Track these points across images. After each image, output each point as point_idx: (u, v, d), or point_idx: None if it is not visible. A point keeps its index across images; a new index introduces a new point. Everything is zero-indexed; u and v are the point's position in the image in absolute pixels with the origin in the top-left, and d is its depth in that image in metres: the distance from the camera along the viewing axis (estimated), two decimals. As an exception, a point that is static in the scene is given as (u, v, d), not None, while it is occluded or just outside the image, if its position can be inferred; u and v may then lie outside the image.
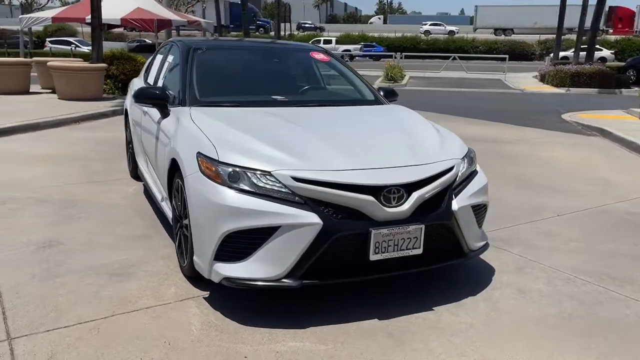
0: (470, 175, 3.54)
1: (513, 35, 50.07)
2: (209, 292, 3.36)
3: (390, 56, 27.00)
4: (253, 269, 2.97)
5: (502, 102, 16.06)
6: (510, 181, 6.45)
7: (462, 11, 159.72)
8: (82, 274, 3.61)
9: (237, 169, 3.01)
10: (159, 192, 4.35)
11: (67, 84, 12.56)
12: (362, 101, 4.56)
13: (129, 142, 5.99)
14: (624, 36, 43.08)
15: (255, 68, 4.71)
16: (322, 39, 41.91)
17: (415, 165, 3.21)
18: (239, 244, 2.96)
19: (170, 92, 4.28)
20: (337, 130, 3.66)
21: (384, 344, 2.86)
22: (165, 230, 4.41)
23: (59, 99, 12.68)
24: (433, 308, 3.26)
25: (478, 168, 3.72)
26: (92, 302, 3.23)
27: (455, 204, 3.27)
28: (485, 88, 20.43)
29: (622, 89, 20.30)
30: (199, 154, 3.20)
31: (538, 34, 28.36)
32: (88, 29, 28.20)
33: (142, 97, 4.08)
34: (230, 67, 4.63)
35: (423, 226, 3.09)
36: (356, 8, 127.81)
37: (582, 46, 23.47)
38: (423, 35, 50.41)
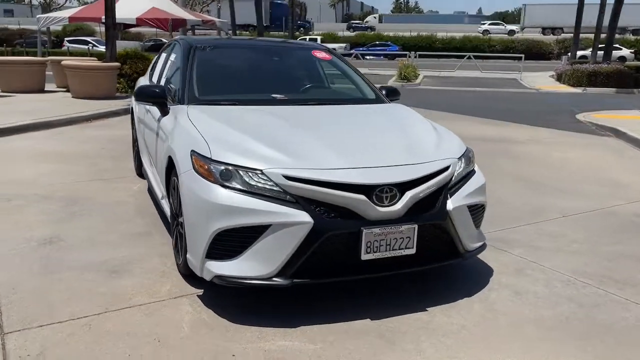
0: (468, 175, 3.50)
1: (563, 34, 49.07)
2: (203, 290, 3.37)
3: (405, 55, 26.88)
4: (244, 267, 2.96)
5: (516, 101, 15.88)
6: (518, 181, 6.37)
7: (479, 10, 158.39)
8: (79, 271, 3.64)
9: (230, 167, 3.01)
10: (160, 190, 4.37)
11: (80, 83, 12.70)
12: (363, 100, 4.54)
13: (135, 141, 6.04)
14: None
15: (256, 67, 4.71)
16: (307, 37, 41.69)
17: (410, 165, 3.18)
18: (230, 242, 2.96)
19: (170, 90, 4.31)
20: (333, 129, 3.65)
21: (373, 344, 2.84)
22: (165, 228, 4.43)
23: (72, 97, 12.83)
24: (427, 309, 3.23)
25: (476, 168, 3.67)
26: (87, 299, 3.25)
27: (451, 204, 3.23)
28: (500, 87, 20.23)
29: (641, 89, 19.97)
30: (193, 152, 3.20)
31: (588, 33, 27.64)
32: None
33: (142, 95, 4.11)
34: (231, 65, 4.64)
35: (416, 226, 3.06)
36: (372, 7, 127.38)
37: (600, 45, 23.14)
38: (482, 35, 49.81)
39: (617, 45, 31.67)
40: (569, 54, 27.19)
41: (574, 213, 5.20)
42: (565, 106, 14.75)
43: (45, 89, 14.16)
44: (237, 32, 29.05)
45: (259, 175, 2.97)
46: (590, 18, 27.08)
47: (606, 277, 3.75)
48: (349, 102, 4.47)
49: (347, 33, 50.74)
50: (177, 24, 23.24)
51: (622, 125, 10.19)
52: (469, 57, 27.16)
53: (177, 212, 3.49)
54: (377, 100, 4.52)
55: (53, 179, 5.96)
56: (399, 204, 3.03)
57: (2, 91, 13.42)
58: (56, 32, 42.43)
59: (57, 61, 14.56)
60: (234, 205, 2.91)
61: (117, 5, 20.29)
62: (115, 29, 14.38)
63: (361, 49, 38.44)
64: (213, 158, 3.07)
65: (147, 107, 4.68)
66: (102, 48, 31.28)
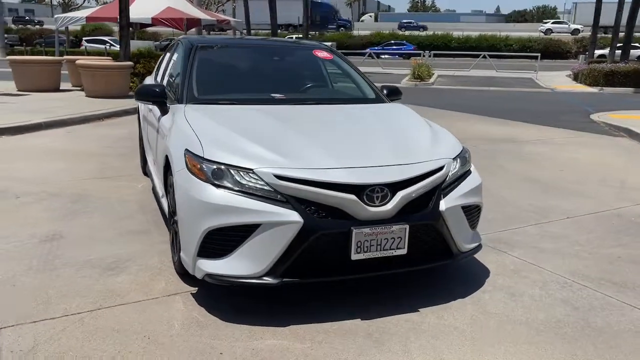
0: (463, 176, 3.48)
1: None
2: (197, 288, 3.40)
3: (419, 54, 26.76)
4: (234, 266, 2.98)
5: (530, 101, 15.71)
6: (524, 182, 6.31)
7: (497, 9, 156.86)
8: (77, 267, 3.69)
9: (222, 167, 3.03)
10: (160, 188, 4.42)
11: (94, 82, 12.87)
12: (363, 100, 4.53)
13: (141, 139, 6.10)
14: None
15: (257, 66, 4.73)
16: (294, 36, 41.50)
17: (402, 165, 3.17)
18: (220, 241, 2.98)
19: (171, 89, 4.35)
20: (327, 129, 3.65)
21: (361, 344, 2.84)
22: (165, 227, 4.47)
23: (86, 96, 13.01)
24: (419, 309, 3.22)
25: (473, 168, 3.64)
26: (82, 295, 3.30)
27: (444, 204, 3.21)
28: (515, 87, 20.04)
29: (660, 89, 19.61)
30: (187, 150, 3.23)
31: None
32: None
33: (142, 94, 4.15)
34: (231, 65, 4.66)
35: (407, 226, 3.05)
36: (389, 6, 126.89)
37: (618, 44, 22.79)
38: (544, 34, 49.19)
39: (636, 44, 31.18)
40: (587, 53, 26.79)
41: (579, 214, 5.14)
42: (580, 106, 14.57)
43: (61, 87, 14.37)
44: (253, 31, 29.14)
45: (250, 174, 2.99)
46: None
47: (605, 279, 3.70)
48: (348, 102, 4.47)
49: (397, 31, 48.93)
50: (192, 24, 23.44)
51: (636, 126, 10.03)
52: (484, 56, 26.92)
53: (172, 210, 3.52)
54: (377, 99, 4.51)
55: (61, 177, 6.05)
56: (390, 204, 3.02)
57: (19, 90, 13.65)
58: (75, 31, 43.06)
59: (72, 60, 14.76)
60: (225, 204, 2.93)
61: (133, 5, 20.56)
62: (128, 28, 14.52)
63: (376, 48, 38.35)
64: (205, 157, 3.09)
65: (150, 106, 4.73)
66: (118, 47, 31.74)
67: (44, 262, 3.76)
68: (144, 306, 3.19)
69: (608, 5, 28.09)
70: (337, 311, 3.16)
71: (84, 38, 39.58)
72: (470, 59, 28.86)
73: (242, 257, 2.97)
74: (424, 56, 25.31)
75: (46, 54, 23.82)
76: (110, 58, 15.67)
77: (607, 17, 29.29)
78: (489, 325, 3.07)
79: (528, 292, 3.49)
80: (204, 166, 3.06)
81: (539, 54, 27.66)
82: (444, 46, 40.47)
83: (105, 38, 36.91)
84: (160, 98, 4.11)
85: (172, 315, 3.09)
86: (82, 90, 13.53)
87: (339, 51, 5.35)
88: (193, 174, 3.10)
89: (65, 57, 16.36)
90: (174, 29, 23.76)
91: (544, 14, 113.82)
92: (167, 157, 3.61)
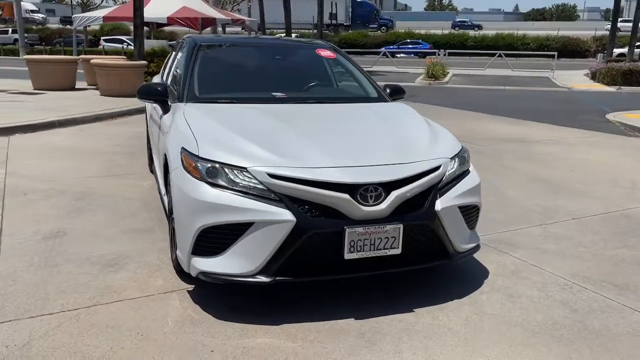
0: (461, 175, 3.44)
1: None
2: (193, 286, 3.41)
3: (434, 53, 26.59)
4: (228, 264, 2.99)
5: (545, 100, 15.51)
6: (532, 182, 6.23)
7: (516, 7, 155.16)
8: (78, 264, 3.73)
9: (216, 165, 3.04)
10: (162, 186, 4.45)
11: (108, 81, 13.01)
12: (365, 99, 4.51)
13: (148, 138, 6.15)
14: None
15: (259, 65, 4.73)
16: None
17: (397, 164, 3.15)
18: (214, 239, 2.99)
19: (174, 88, 4.37)
20: (325, 128, 3.64)
21: (353, 344, 2.83)
22: (167, 225, 4.51)
23: (100, 95, 13.16)
24: (414, 309, 3.20)
25: (472, 168, 3.61)
26: (80, 291, 3.34)
27: (440, 204, 3.19)
28: (530, 86, 19.80)
29: (680, 88, 19.22)
30: (183, 149, 3.25)
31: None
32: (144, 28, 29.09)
33: (144, 93, 4.18)
34: (233, 63, 4.67)
35: (401, 226, 3.03)
36: (406, 5, 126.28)
37: (638, 43, 22.40)
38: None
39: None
40: (605, 51, 26.38)
41: (585, 215, 5.06)
42: (596, 105, 14.35)
43: (76, 86, 14.56)
44: (268, 30, 29.21)
45: (244, 173, 2.99)
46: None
47: (607, 282, 3.64)
48: (349, 101, 4.45)
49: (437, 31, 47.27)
50: (207, 23, 23.57)
51: (651, 126, 9.86)
52: (500, 55, 26.64)
53: (170, 208, 3.54)
54: (379, 99, 4.49)
55: (69, 174, 6.13)
56: (383, 204, 3.01)
57: (35, 89, 13.86)
58: (94, 31, 43.59)
59: (87, 60, 14.95)
60: (218, 202, 2.94)
61: (150, 5, 20.74)
62: (142, 28, 14.66)
63: (392, 47, 38.18)
64: (200, 155, 3.10)
65: (154, 104, 4.76)
66: (134, 47, 32.08)
67: (46, 259, 3.81)
68: (140, 303, 3.22)
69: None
70: (331, 310, 3.16)
71: (102, 37, 40.05)
72: (486, 57, 28.57)
73: (235, 256, 2.97)
74: (438, 55, 25.13)
75: (65, 53, 24.17)
76: (124, 57, 15.83)
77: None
78: (484, 327, 3.04)
79: (527, 294, 3.44)
80: (198, 164, 3.07)
81: (556, 53, 27.29)
82: (460, 45, 40.10)
83: (123, 37, 37.33)
84: (161, 97, 4.13)
85: (167, 313, 3.11)
86: (97, 89, 13.68)
87: (343, 50, 5.33)
88: (188, 172, 3.12)
89: (81, 56, 16.56)
90: (190, 29, 23.93)
91: (563, 12, 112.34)
92: (165, 156, 3.64)
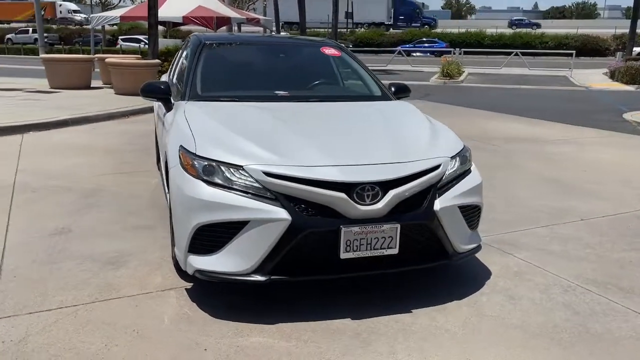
0: (462, 175, 3.39)
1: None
2: (192, 284, 3.41)
3: (450, 52, 26.39)
4: (224, 262, 2.98)
5: (561, 99, 15.30)
6: (542, 182, 6.14)
7: (535, 5, 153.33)
8: (79, 261, 3.76)
9: (213, 163, 3.04)
10: (165, 184, 4.46)
11: (122, 80, 13.12)
12: (368, 97, 4.48)
13: (157, 136, 6.19)
14: None
15: (263, 63, 4.73)
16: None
17: (395, 163, 3.11)
18: (210, 237, 2.99)
19: (179, 86, 4.38)
20: (324, 126, 3.62)
21: (347, 344, 2.81)
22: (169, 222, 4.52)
23: (115, 93, 13.28)
24: (412, 310, 3.16)
25: (473, 167, 3.56)
26: (80, 288, 3.36)
27: (439, 204, 3.14)
28: (547, 85, 19.54)
29: (702, 87, 18.81)
30: (181, 147, 3.25)
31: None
32: (160, 28, 29.32)
33: (147, 91, 4.20)
34: (237, 62, 4.67)
35: (398, 225, 3.00)
36: (423, 4, 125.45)
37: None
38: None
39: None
40: (625, 50, 25.94)
41: (595, 216, 4.97)
42: (613, 105, 14.11)
43: (92, 85, 14.72)
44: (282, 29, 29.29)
45: (240, 171, 2.98)
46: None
47: (612, 284, 3.57)
48: (352, 99, 4.43)
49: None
50: (222, 22, 23.67)
51: (669, 125, 9.65)
52: (516, 54, 26.35)
53: (170, 205, 3.55)
54: (383, 97, 4.45)
55: (79, 171, 6.19)
56: (380, 203, 2.98)
57: (51, 87, 14.05)
58: (113, 30, 44.07)
59: (103, 59, 15.10)
60: (214, 200, 2.94)
61: (166, 4, 20.89)
62: (157, 27, 14.77)
63: (407, 45, 38.00)
64: (197, 154, 3.10)
65: (160, 102, 4.78)
66: (149, 46, 32.39)
67: (49, 255, 3.85)
68: (138, 300, 3.23)
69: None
70: (327, 310, 3.14)
71: (120, 37, 40.49)
72: (503, 56, 28.28)
73: (231, 254, 2.97)
74: (454, 54, 24.93)
75: (83, 53, 24.48)
76: (139, 56, 15.97)
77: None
78: (482, 328, 2.99)
79: (528, 296, 3.39)
80: (195, 162, 3.07)
81: (574, 51, 26.89)
82: (477, 44, 39.77)
83: (140, 37, 37.69)
84: (164, 95, 4.15)
85: (164, 310, 3.12)
86: (112, 87, 13.81)
87: (359, 49, 5.30)
88: (185, 170, 3.12)
89: (96, 55, 16.74)
90: (206, 28, 24.08)
91: (583, 10, 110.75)
92: (165, 154, 3.65)
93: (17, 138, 8.12)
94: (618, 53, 27.61)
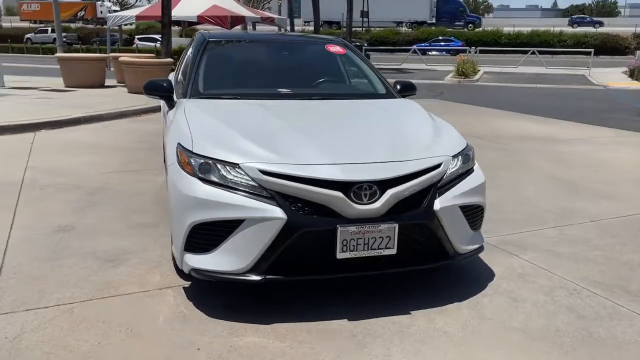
0: (465, 174, 3.32)
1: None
2: (189, 283, 3.40)
3: (466, 51, 26.15)
4: (219, 261, 2.95)
5: (577, 98, 15.04)
6: (553, 182, 6.02)
7: (554, 4, 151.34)
8: (81, 258, 3.76)
9: (209, 161, 3.01)
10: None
11: (135, 78, 13.19)
12: (372, 95, 4.43)
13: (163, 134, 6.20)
14: None
15: (266, 61, 4.70)
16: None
17: (394, 162, 3.06)
18: (205, 236, 2.96)
19: (182, 83, 4.37)
20: (324, 124, 3.58)
21: (342, 346, 2.76)
22: (173, 220, 4.51)
23: (128, 92, 13.37)
24: (410, 312, 3.10)
25: (477, 167, 3.48)
26: (79, 286, 3.36)
27: (439, 203, 3.08)
28: (564, 84, 19.23)
29: None
30: (179, 144, 3.23)
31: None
32: (175, 27, 29.47)
33: (150, 89, 4.19)
34: (240, 59, 4.65)
35: (397, 225, 2.94)
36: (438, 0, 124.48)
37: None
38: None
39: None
40: (646, 48, 25.44)
41: (605, 217, 4.85)
42: (632, 104, 13.84)
43: (106, 84, 14.84)
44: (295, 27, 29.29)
45: (236, 169, 2.95)
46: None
47: (619, 287, 3.47)
48: (356, 97, 4.37)
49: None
50: (237, 21, 23.74)
51: (687, 125, 9.43)
52: (533, 52, 26.00)
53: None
54: (387, 95, 4.39)
55: (87, 169, 6.23)
56: (378, 202, 2.92)
57: (66, 86, 14.19)
58: (130, 30, 44.48)
59: (117, 57, 15.22)
60: (209, 199, 2.91)
61: (181, 3, 21.00)
62: (170, 26, 14.85)
63: (423, 44, 37.73)
64: (194, 151, 3.08)
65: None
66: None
67: (50, 252, 3.86)
68: (135, 299, 3.22)
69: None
70: (325, 311, 3.09)
71: (136, 36, 40.85)
72: (520, 55, 27.92)
73: (226, 253, 2.94)
74: (469, 52, 24.69)
75: (100, 52, 24.71)
76: (153, 55, 16.06)
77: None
78: (481, 331, 2.93)
79: (532, 298, 3.31)
80: (192, 160, 3.05)
81: (592, 50, 26.41)
82: (494, 42, 39.28)
83: (156, 36, 37.99)
84: (166, 92, 4.14)
85: (160, 309, 3.10)
86: (126, 86, 13.91)
87: (374, 47, 5.24)
88: (182, 167, 3.10)
89: (111, 54, 16.88)
90: (221, 27, 24.19)
91: (603, 8, 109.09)
92: (165, 151, 3.64)
93: (30, 136, 8.21)
94: (638, 52, 27.09)
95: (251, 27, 27.44)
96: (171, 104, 4.17)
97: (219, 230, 2.92)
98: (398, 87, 4.56)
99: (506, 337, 2.87)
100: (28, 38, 46.96)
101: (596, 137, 9.04)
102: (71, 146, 7.56)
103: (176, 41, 17.16)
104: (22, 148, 7.33)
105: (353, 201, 2.89)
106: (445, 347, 2.77)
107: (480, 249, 3.41)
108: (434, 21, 53.09)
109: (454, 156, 3.30)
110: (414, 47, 31.26)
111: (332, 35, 5.42)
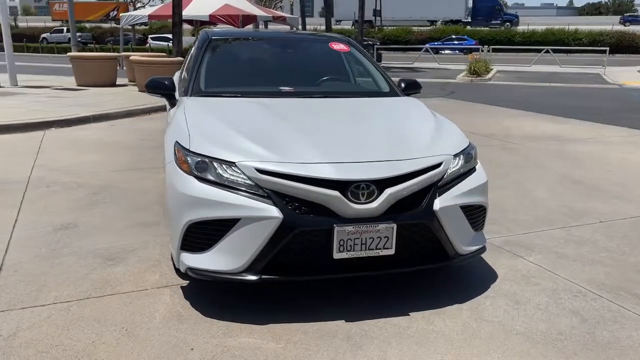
0: (466, 174, 3.26)
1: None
2: (187, 282, 3.37)
3: (479, 50, 25.93)
4: (215, 260, 2.92)
5: (592, 98, 14.83)
6: (563, 182, 5.92)
7: (570, 2, 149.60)
8: (81, 256, 3.76)
9: (206, 159, 2.98)
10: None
11: (145, 77, 13.01)
12: (375, 93, 4.37)
13: (169, 132, 6.19)
14: None
15: (269, 59, 4.66)
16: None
17: (393, 161, 3.00)
18: (201, 235, 2.93)
19: (184, 81, 4.36)
20: (325, 123, 3.52)
21: (337, 347, 2.71)
22: (175, 219, 4.49)
23: (138, 91, 13.42)
24: (409, 313, 3.05)
25: (479, 166, 3.41)
26: (77, 284, 3.35)
27: (439, 203, 3.02)
28: (578, 83, 18.98)
29: None
30: (176, 142, 3.21)
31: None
32: (188, 26, 29.56)
33: (151, 87, 4.18)
34: (242, 58, 4.62)
35: (395, 225, 2.89)
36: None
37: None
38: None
39: None
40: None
41: (614, 218, 4.75)
42: (647, 103, 13.61)
43: (117, 83, 14.93)
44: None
45: (233, 167, 2.92)
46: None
47: (625, 290, 3.38)
48: (359, 95, 4.32)
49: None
50: (248, 20, 23.75)
51: (703, 124, 9.23)
52: (547, 51, 25.70)
53: (169, 202, 3.51)
54: (390, 93, 4.34)
55: (93, 168, 6.24)
56: (376, 202, 2.87)
57: (78, 85, 14.30)
58: (143, 29, 44.79)
59: (128, 56, 15.30)
60: (206, 197, 2.88)
61: (192, 3, 21.06)
62: (181, 25, 14.89)
63: (436, 43, 37.52)
64: (191, 149, 3.05)
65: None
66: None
67: (51, 250, 3.86)
68: (132, 297, 3.20)
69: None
70: (322, 311, 3.05)
71: (149, 36, 41.13)
72: (534, 54, 27.62)
73: (222, 252, 2.90)
74: (482, 51, 24.48)
75: (113, 51, 24.89)
76: (165, 54, 16.12)
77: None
78: (481, 334, 2.86)
79: (534, 300, 3.23)
80: (188, 158, 3.02)
81: (607, 48, 26.01)
82: (508, 41, 38.95)
83: (169, 35, 38.18)
84: (167, 90, 4.12)
85: (156, 308, 3.08)
86: (136, 85, 13.98)
87: (386, 47, 5.18)
88: (179, 166, 3.07)
89: (122, 53, 16.97)
90: (233, 26, 24.23)
91: (620, 6, 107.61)
92: (164, 149, 3.61)
93: (39, 134, 8.27)
94: (654, 50, 26.64)
95: (263, 26, 27.45)
96: (173, 102, 4.16)
97: (214, 229, 2.89)
98: (402, 85, 4.50)
99: (506, 340, 2.81)
100: (44, 38, 47.44)
101: (610, 136, 8.88)
102: (79, 144, 7.60)
103: (187, 40, 17.22)
104: (31, 146, 7.38)
105: (350, 200, 2.85)
106: (442, 350, 2.71)
107: (482, 249, 3.34)
108: (469, 20, 52.13)
109: (456, 155, 3.24)
110: (426, 46, 31.09)
111: (342, 35, 5.35)
